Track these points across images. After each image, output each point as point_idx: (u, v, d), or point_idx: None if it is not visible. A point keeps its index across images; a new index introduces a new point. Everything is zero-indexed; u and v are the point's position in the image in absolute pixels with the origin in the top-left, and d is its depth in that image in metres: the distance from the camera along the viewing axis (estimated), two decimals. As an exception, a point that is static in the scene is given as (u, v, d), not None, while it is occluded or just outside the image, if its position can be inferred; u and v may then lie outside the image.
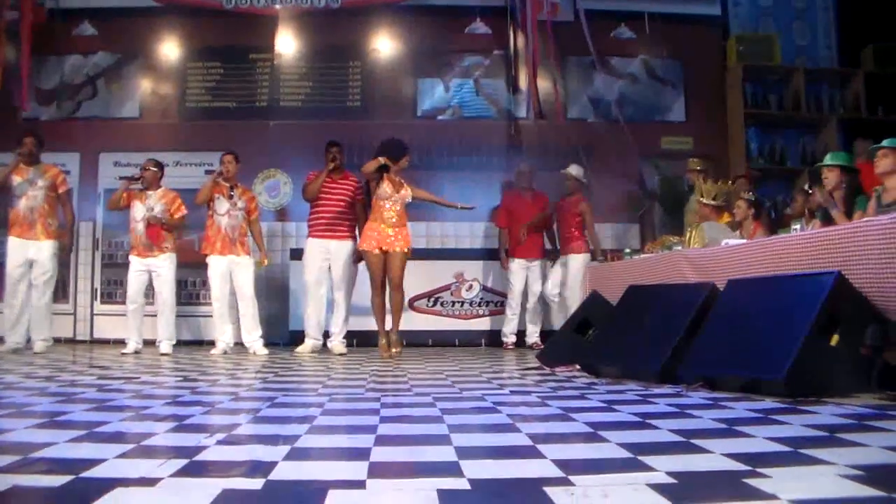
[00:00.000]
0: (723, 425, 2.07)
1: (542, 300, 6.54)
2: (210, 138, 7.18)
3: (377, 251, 5.12)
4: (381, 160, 5.14)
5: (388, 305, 5.23)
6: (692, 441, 1.80)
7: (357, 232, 5.68)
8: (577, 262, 6.28)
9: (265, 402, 2.69)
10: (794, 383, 2.59)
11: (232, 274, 5.66)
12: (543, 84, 7.46)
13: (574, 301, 5.96)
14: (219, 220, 5.66)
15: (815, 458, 1.58)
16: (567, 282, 6.29)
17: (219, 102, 7.46)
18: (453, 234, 7.28)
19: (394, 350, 5.18)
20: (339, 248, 5.66)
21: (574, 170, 6.48)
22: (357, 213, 5.72)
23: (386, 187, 5.16)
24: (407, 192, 5.28)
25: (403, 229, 5.23)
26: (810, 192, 5.24)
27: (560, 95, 7.47)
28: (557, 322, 6.35)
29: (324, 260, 5.66)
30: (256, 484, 1.40)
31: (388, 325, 5.23)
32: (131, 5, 7.38)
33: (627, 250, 5.71)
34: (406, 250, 5.18)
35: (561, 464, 1.54)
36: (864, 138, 5.65)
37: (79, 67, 7.41)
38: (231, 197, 5.69)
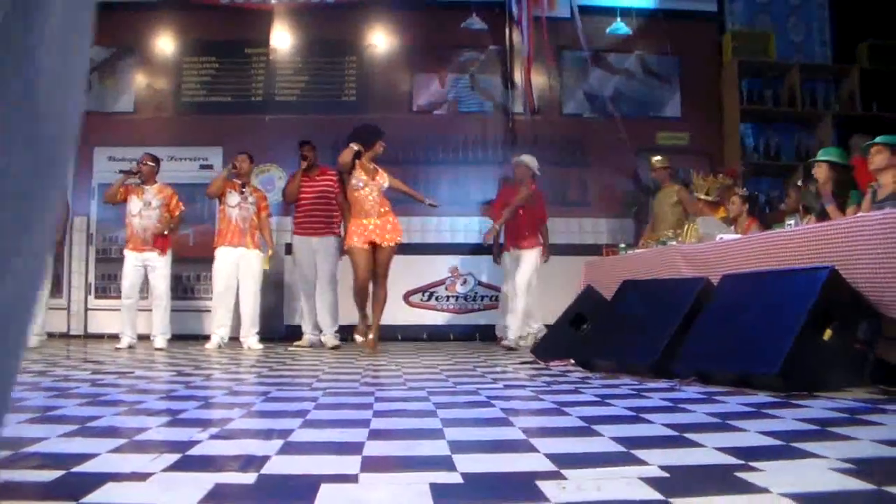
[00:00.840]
0: (716, 419, 2.08)
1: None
2: (205, 133, 7.18)
3: (365, 245, 4.94)
4: (355, 147, 4.96)
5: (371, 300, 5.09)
6: (685, 435, 1.81)
7: (342, 228, 5.64)
8: (530, 256, 5.84)
9: (259, 397, 2.69)
10: (788, 378, 2.60)
11: (239, 267, 5.64)
12: (539, 79, 7.45)
13: (521, 299, 5.60)
14: (230, 213, 5.66)
15: (806, 451, 1.58)
16: (517, 277, 5.78)
17: (214, 97, 7.43)
18: (448, 229, 7.28)
19: (371, 340, 4.99)
20: (321, 244, 5.69)
21: (528, 159, 6.05)
22: (340, 205, 5.70)
23: (360, 175, 5.00)
24: (383, 178, 5.13)
25: (389, 218, 5.06)
26: (804, 187, 5.27)
27: (555, 91, 7.46)
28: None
29: (310, 257, 5.68)
30: (249, 478, 1.40)
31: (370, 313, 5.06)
32: (126, -1, 7.36)
33: (622, 245, 5.73)
34: (395, 243, 5.03)
35: (554, 458, 1.55)
36: (862, 134, 5.66)
37: (73, 61, 7.37)
38: (242, 193, 5.70)
